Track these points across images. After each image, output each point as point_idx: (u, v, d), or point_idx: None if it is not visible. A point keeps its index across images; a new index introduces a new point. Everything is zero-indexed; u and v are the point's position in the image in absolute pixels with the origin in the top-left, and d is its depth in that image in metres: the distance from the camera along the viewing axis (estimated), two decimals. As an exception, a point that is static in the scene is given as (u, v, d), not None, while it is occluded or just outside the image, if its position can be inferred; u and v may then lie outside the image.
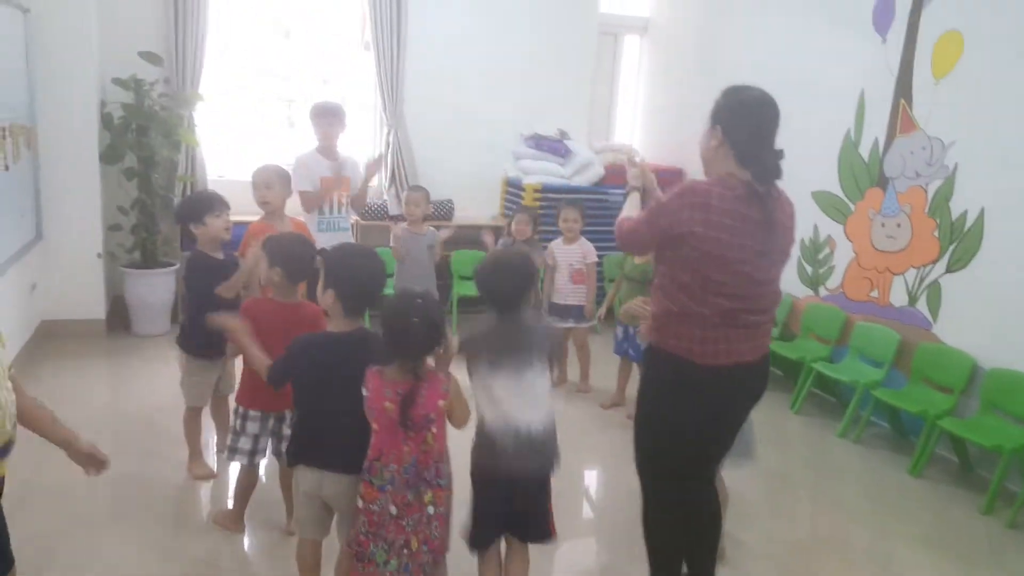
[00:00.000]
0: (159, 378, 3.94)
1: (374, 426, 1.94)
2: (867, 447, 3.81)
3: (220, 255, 2.90)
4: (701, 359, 2.01)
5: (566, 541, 2.67)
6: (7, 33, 3.71)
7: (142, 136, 4.42)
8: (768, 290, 2.06)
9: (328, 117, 3.89)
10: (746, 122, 1.99)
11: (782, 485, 3.40)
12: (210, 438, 3.27)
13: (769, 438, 3.87)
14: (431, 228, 4.19)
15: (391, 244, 4.08)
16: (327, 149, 3.91)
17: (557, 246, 4.24)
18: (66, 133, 4.24)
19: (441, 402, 1.95)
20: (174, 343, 3.03)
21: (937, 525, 3.13)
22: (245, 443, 2.48)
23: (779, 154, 2.00)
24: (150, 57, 4.46)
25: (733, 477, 3.10)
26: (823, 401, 4.31)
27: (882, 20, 3.93)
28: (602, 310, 4.23)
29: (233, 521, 2.65)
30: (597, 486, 3.52)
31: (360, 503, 1.95)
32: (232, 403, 2.61)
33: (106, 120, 4.42)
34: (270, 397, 2.35)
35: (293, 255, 2.39)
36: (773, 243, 2.00)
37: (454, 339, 2.10)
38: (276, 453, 2.54)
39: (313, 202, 3.79)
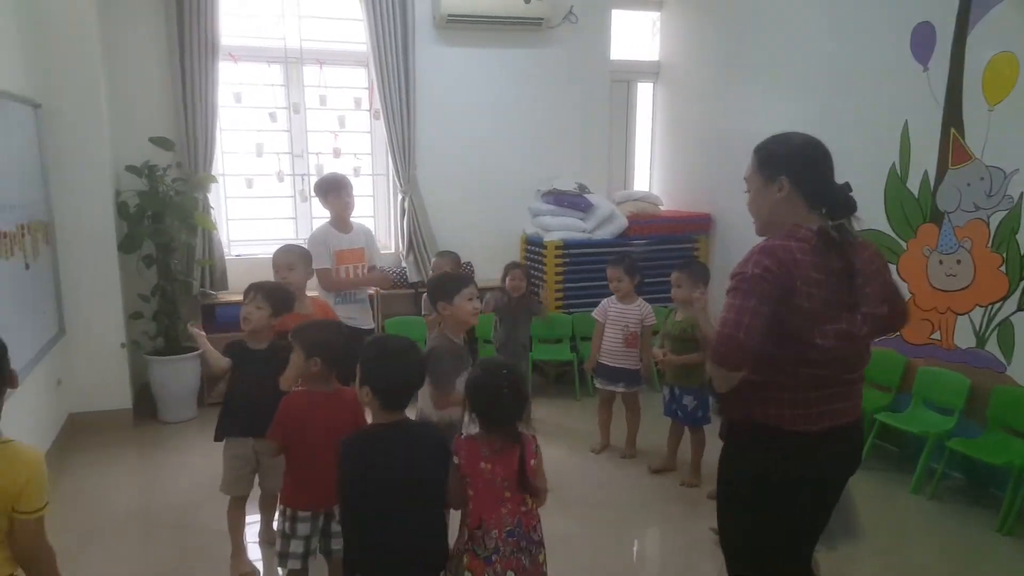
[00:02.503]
0: (189, 467, 3.85)
1: (469, 492, 1.94)
2: (944, 503, 3.50)
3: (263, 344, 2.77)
4: (791, 425, 1.81)
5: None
6: (20, 129, 3.66)
7: (158, 223, 4.35)
8: (862, 347, 1.87)
9: (346, 188, 3.85)
10: (809, 164, 1.86)
11: (853, 550, 3.10)
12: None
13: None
14: None
15: (423, 313, 3.92)
16: (341, 222, 3.82)
17: (611, 303, 3.99)
18: (83, 226, 4.17)
19: (532, 461, 1.97)
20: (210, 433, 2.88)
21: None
22: (297, 546, 2.33)
23: (847, 187, 1.86)
24: (161, 142, 4.40)
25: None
26: (886, 453, 4.01)
27: (922, 49, 3.69)
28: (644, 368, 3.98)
29: None
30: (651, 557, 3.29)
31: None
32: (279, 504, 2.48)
33: (122, 209, 4.36)
34: (319, 495, 2.27)
35: (329, 344, 2.32)
36: (860, 293, 1.82)
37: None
38: (324, 552, 2.41)
39: (333, 284, 3.71)
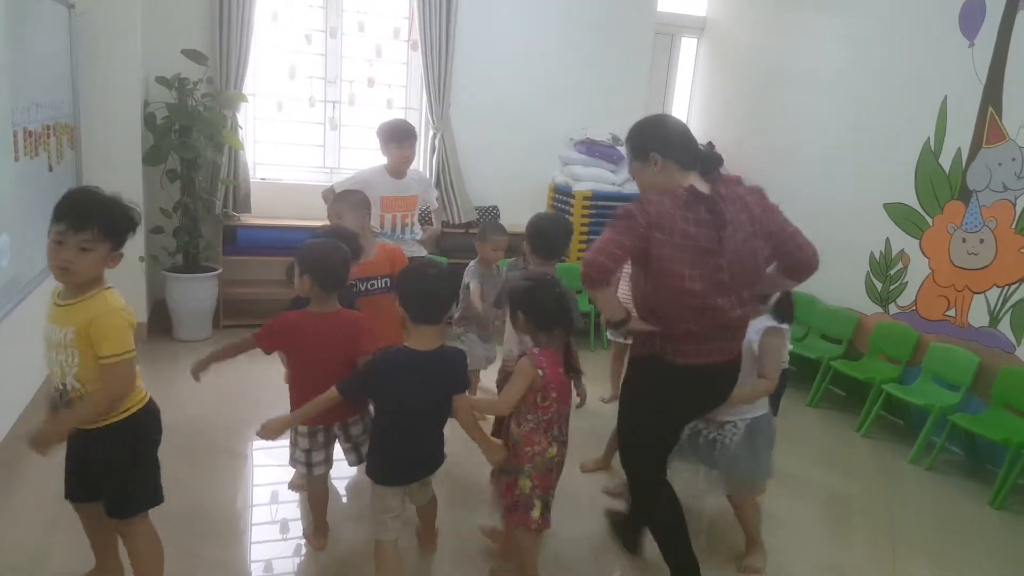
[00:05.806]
0: (200, 386, 3.74)
1: (552, 394, 2.20)
2: (941, 474, 3.60)
3: None
4: (673, 358, 2.15)
5: None
6: (52, 29, 3.60)
7: (185, 137, 4.30)
8: (740, 296, 2.09)
9: (411, 141, 3.62)
10: (670, 134, 2.19)
11: (842, 510, 3.23)
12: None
13: (833, 460, 3.71)
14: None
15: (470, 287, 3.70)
16: (398, 170, 3.67)
17: None
18: (109, 133, 4.12)
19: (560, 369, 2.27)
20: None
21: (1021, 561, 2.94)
22: (299, 456, 2.49)
23: (710, 145, 2.15)
24: (194, 56, 4.33)
25: (785, 497, 3.07)
26: (890, 424, 4.10)
27: (970, 23, 3.69)
28: None
29: (318, 535, 2.58)
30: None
31: (528, 451, 2.20)
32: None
33: (149, 120, 4.30)
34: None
35: (323, 264, 2.31)
36: (728, 241, 2.03)
37: None
38: (353, 463, 2.56)
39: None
